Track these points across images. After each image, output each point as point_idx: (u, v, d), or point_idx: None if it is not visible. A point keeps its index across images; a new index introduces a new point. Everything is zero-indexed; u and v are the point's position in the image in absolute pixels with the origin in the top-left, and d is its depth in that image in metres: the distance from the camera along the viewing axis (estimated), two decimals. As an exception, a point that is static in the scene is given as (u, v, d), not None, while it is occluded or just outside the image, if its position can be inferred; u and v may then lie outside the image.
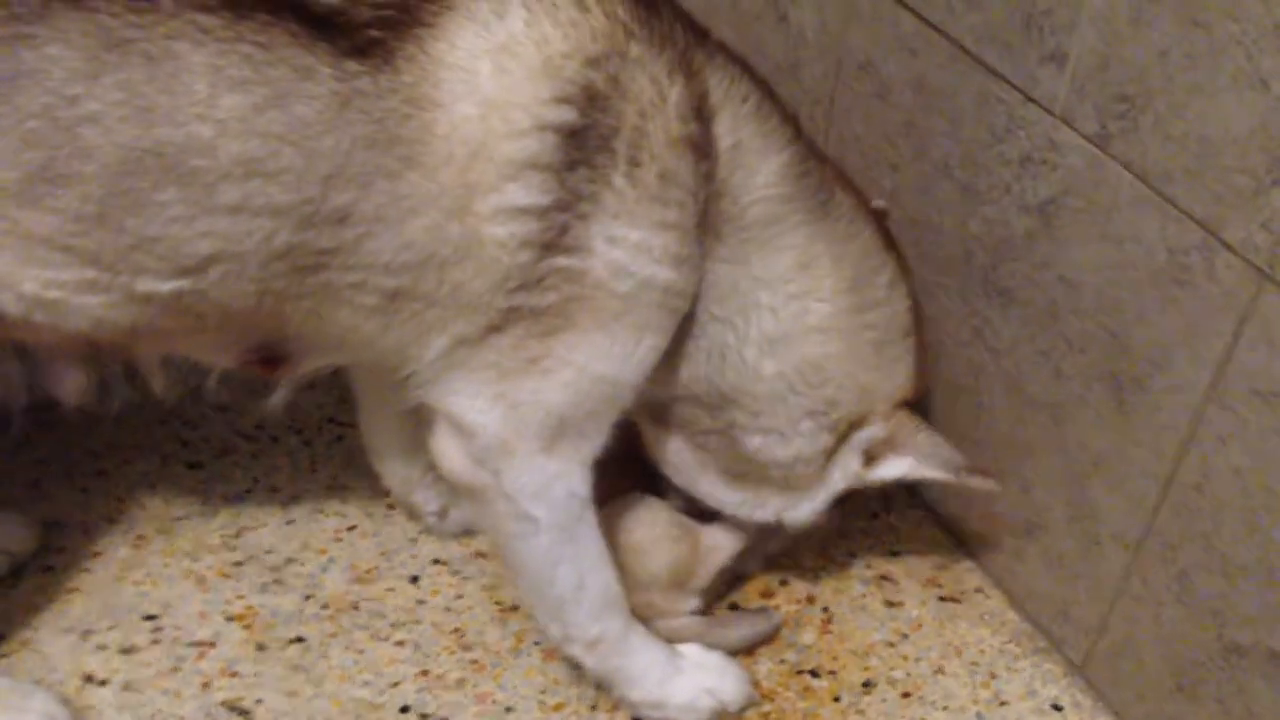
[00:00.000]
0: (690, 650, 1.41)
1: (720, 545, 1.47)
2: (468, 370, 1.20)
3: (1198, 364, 1.21)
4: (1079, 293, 1.33)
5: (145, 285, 1.11)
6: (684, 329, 1.27)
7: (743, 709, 1.40)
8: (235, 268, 1.11)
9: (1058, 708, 1.44)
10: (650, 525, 1.45)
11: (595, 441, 1.26)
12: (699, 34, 1.23)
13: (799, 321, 1.30)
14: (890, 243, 1.38)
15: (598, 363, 1.20)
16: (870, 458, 1.38)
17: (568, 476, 1.25)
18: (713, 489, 1.42)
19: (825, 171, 1.32)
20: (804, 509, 1.41)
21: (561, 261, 1.15)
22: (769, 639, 1.49)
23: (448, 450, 1.25)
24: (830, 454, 1.37)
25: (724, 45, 1.26)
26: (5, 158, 1.04)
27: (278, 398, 1.32)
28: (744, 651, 1.47)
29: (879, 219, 1.39)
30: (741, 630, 1.47)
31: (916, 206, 1.51)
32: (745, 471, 1.39)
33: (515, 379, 1.20)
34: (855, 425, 1.36)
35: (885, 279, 1.35)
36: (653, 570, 1.42)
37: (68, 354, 1.23)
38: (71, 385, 1.25)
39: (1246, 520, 1.21)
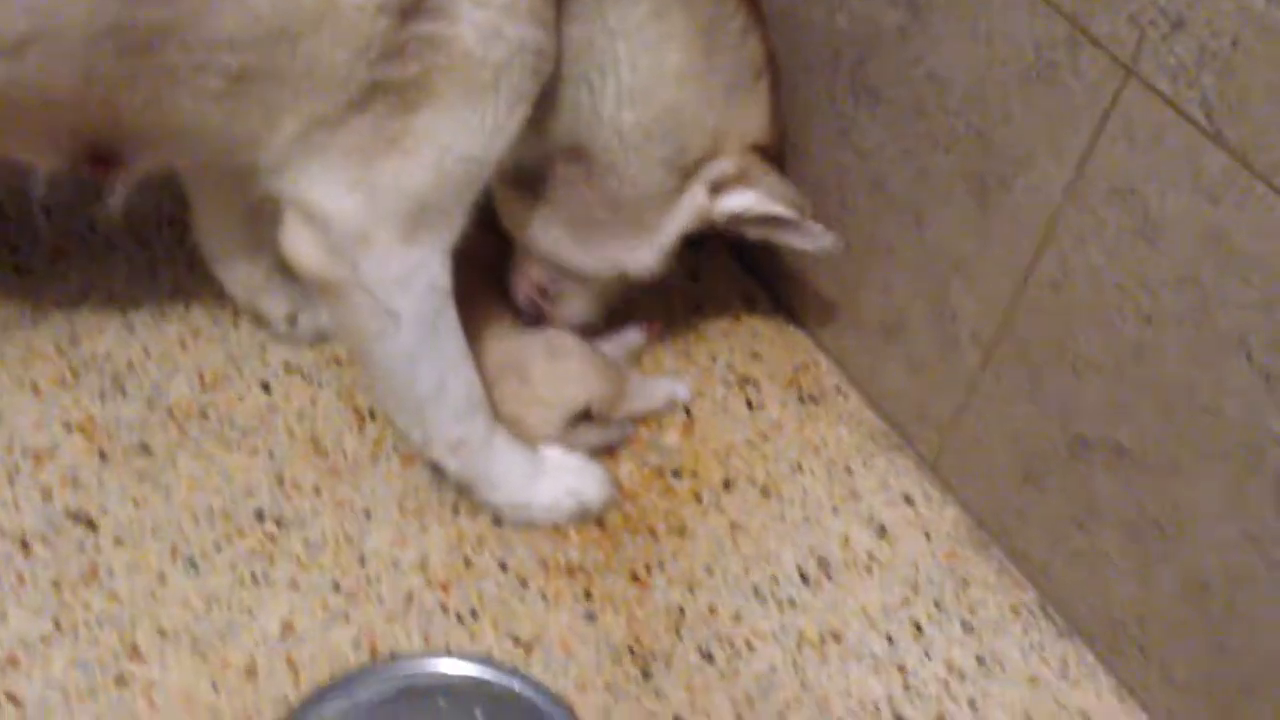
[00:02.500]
0: (552, 452, 1.41)
1: (649, 395, 1.49)
2: (323, 154, 1.14)
3: (1059, 162, 1.22)
4: (947, 91, 1.31)
5: None
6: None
7: (605, 509, 1.41)
8: (56, 48, 1.01)
9: (909, 500, 1.49)
10: (585, 357, 1.43)
11: (456, 225, 1.22)
12: None
13: (655, 71, 1.26)
14: None
15: (463, 140, 1.15)
16: (717, 192, 1.36)
17: (429, 266, 1.21)
18: (559, 246, 1.39)
19: None
20: (646, 253, 1.38)
21: (425, 28, 1.08)
22: (624, 443, 1.49)
23: (300, 244, 1.19)
24: (676, 193, 1.35)
25: None
26: None
27: (114, 201, 1.22)
28: (605, 453, 1.47)
29: None
30: (595, 434, 1.47)
31: (784, 1, 1.46)
32: (593, 221, 1.36)
33: (375, 162, 1.14)
34: (703, 162, 1.34)
35: (737, 25, 1.31)
36: (575, 399, 1.40)
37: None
38: None
39: (1099, 319, 1.23)
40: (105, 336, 1.45)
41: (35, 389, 1.39)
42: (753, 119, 1.36)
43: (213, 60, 1.06)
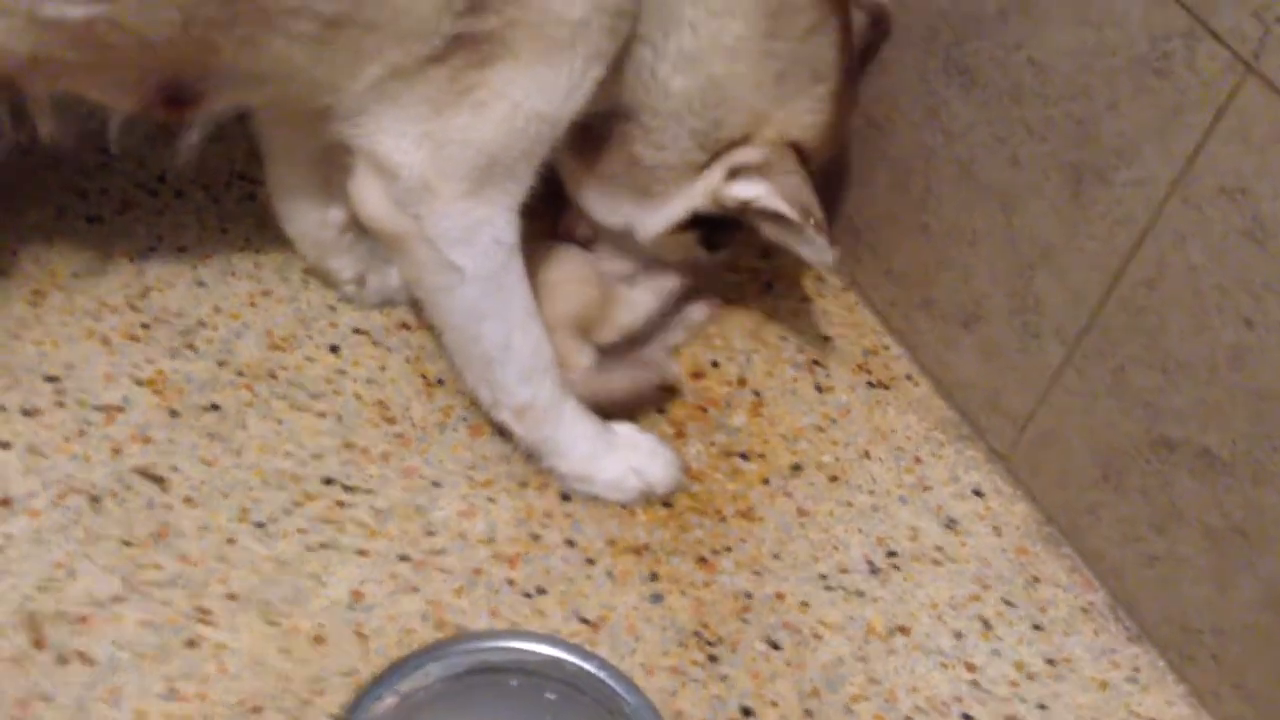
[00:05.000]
0: (623, 429, 1.39)
1: (636, 303, 1.44)
2: (397, 105, 1.14)
3: (1165, 158, 1.18)
4: (1048, 78, 1.27)
5: (52, 10, 1.00)
6: None
7: (670, 493, 1.39)
8: None
9: (979, 493, 1.46)
10: (560, 266, 1.40)
11: (524, 184, 1.21)
12: None
13: (714, 39, 1.24)
14: (838, 5, 1.30)
15: (536, 98, 1.15)
16: (733, 177, 1.32)
17: (493, 222, 1.21)
18: (577, 184, 1.38)
19: None
20: (654, 221, 1.36)
21: None
22: (657, 391, 1.45)
23: (367, 194, 1.20)
24: (698, 169, 1.32)
25: None
26: None
27: (186, 147, 1.22)
28: (675, 433, 1.44)
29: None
30: (624, 375, 1.44)
31: (881, -25, 1.42)
32: (611, 173, 1.34)
33: (446, 115, 1.14)
34: (733, 145, 1.31)
35: (805, 19, 1.27)
36: (558, 311, 1.37)
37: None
38: None
39: (1195, 319, 1.20)
40: (175, 291, 1.44)
41: (106, 341, 1.37)
42: (800, 118, 1.32)
43: (307, 5, 1.07)
